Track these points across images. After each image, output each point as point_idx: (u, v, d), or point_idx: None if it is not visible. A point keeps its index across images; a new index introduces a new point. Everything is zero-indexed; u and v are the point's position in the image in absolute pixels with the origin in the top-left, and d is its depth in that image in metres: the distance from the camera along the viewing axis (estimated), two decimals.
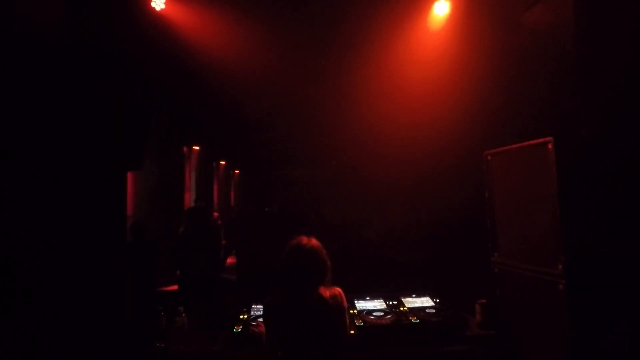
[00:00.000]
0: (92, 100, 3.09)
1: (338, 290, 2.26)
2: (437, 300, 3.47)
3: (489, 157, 3.37)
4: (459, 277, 3.72)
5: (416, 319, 3.09)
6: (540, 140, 2.73)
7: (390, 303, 3.43)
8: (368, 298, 3.50)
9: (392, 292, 3.60)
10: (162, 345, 2.95)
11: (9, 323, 2.35)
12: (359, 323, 3.05)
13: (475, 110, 3.78)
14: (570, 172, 2.57)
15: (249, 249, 5.42)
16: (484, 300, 3.24)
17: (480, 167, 3.44)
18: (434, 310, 3.28)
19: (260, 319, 2.94)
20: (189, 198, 8.81)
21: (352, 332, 2.95)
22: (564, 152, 2.59)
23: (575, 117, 2.68)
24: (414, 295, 3.57)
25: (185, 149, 8.78)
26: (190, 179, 9.26)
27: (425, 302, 3.47)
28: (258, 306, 3.30)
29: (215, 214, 8.03)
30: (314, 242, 2.26)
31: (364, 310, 3.29)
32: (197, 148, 9.50)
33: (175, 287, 4.73)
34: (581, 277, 2.51)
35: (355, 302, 3.43)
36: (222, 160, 12.70)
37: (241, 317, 3.18)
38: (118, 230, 3.23)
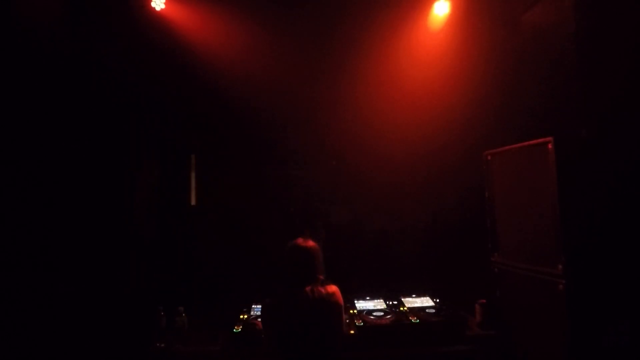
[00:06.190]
0: (92, 100, 3.10)
1: (334, 288, 2.30)
2: (437, 300, 3.47)
3: (489, 157, 3.37)
4: (459, 277, 3.72)
5: (416, 319, 3.09)
6: (540, 140, 2.73)
7: (390, 303, 3.43)
8: (368, 298, 3.50)
9: (392, 292, 3.60)
10: (162, 345, 2.95)
11: (10, 323, 2.35)
12: (359, 323, 3.05)
13: (475, 110, 3.78)
14: (570, 172, 2.57)
15: None
16: (484, 300, 3.24)
17: (480, 167, 3.44)
18: (434, 310, 3.28)
19: (259, 319, 2.95)
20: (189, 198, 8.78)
21: (352, 332, 2.96)
22: (564, 152, 2.59)
23: (575, 117, 2.68)
24: (414, 295, 3.57)
25: (186, 149, 8.75)
26: (191, 179, 9.23)
27: (425, 302, 3.47)
28: (258, 306, 3.30)
29: None
30: (310, 242, 2.34)
31: (364, 310, 3.29)
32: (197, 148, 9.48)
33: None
34: (581, 277, 2.51)
35: (355, 302, 3.43)
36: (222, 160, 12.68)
37: (241, 317, 3.18)
38: (118, 230, 3.23)
